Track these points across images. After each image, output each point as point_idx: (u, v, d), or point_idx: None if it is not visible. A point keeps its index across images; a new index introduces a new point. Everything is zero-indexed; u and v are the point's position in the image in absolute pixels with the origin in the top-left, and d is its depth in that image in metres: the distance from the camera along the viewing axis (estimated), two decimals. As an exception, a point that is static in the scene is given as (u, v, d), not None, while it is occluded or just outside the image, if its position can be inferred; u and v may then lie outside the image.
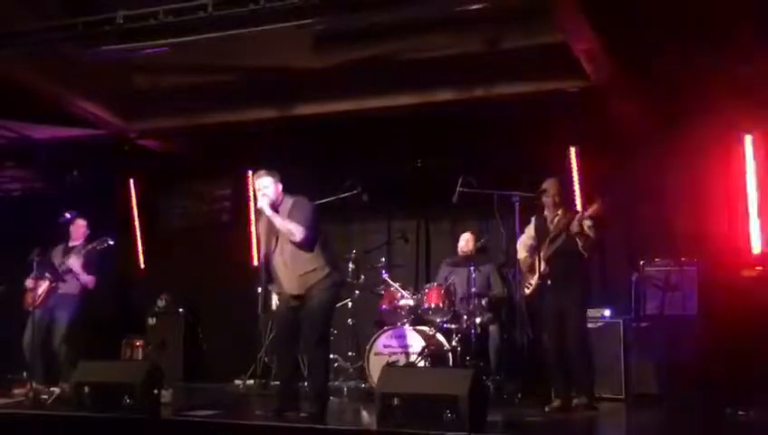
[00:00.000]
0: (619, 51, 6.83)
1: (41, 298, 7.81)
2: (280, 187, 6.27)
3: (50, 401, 6.93)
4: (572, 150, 8.44)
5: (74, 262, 7.84)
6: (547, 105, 7.72)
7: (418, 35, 7.25)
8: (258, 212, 6.32)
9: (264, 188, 6.18)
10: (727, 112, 7.45)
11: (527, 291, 6.91)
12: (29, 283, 7.83)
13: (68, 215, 7.90)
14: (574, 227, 6.55)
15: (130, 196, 10.29)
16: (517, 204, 7.28)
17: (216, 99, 8.51)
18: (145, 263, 10.12)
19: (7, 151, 9.94)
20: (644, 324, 7.52)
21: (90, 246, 7.87)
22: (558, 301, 6.68)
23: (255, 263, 9.46)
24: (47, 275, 7.95)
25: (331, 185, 8.03)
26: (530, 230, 7.00)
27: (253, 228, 9.64)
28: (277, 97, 8.40)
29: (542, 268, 6.72)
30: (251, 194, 9.80)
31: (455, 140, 8.44)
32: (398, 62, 7.72)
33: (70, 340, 7.87)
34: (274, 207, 6.15)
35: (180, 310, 9.57)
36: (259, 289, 8.57)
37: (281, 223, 6.07)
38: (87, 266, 7.91)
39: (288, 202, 6.24)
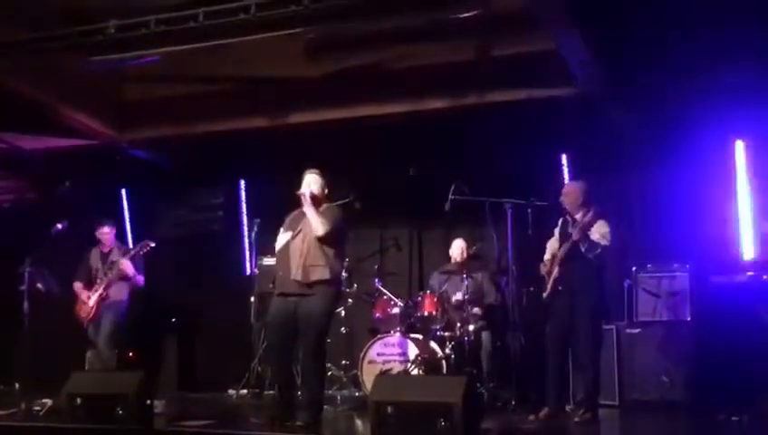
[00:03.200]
0: (610, 58, 6.86)
1: (93, 310, 7.95)
2: (325, 190, 6.40)
3: (42, 412, 6.89)
4: (564, 157, 8.46)
5: (127, 264, 7.95)
6: (538, 112, 7.74)
7: (410, 43, 7.28)
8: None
9: (313, 183, 6.32)
10: (718, 119, 7.48)
11: (545, 294, 6.84)
12: (82, 295, 8.01)
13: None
14: (575, 235, 6.51)
15: (123, 206, 10.27)
16: (509, 211, 7.30)
17: (208, 108, 8.52)
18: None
19: (-1, 162, 9.94)
20: (637, 331, 7.53)
21: (133, 252, 8.03)
22: (567, 308, 6.59)
23: (248, 272, 9.46)
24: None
25: (326, 195, 8.04)
26: (557, 232, 6.91)
27: (246, 237, 9.64)
28: (269, 106, 8.41)
29: (555, 272, 6.68)
30: (243, 203, 9.82)
31: (447, 147, 8.46)
32: (390, 70, 7.75)
33: (114, 343, 7.94)
34: (315, 200, 6.25)
35: (173, 320, 9.54)
36: (252, 298, 8.64)
37: (312, 213, 6.16)
38: (135, 266, 8.07)
39: (323, 206, 6.35)
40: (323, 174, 6.41)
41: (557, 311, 6.69)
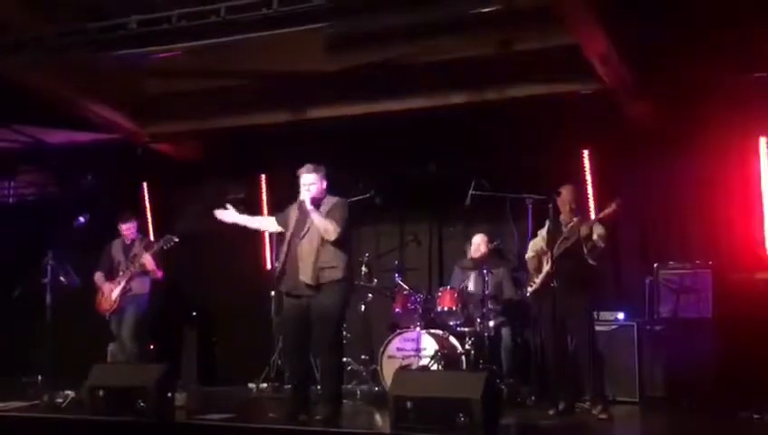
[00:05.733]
0: (633, 53, 6.81)
1: (116, 303, 8.00)
2: (324, 184, 6.31)
3: (65, 404, 6.95)
4: (585, 153, 8.42)
5: (149, 260, 7.97)
6: (560, 108, 7.71)
7: (431, 38, 7.26)
8: (297, 205, 6.33)
9: (310, 184, 6.22)
10: (742, 115, 7.42)
11: (530, 289, 6.91)
12: (104, 288, 8.07)
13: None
14: (584, 231, 6.52)
15: (144, 200, 10.32)
16: (530, 206, 7.28)
17: (228, 102, 8.54)
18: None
19: (22, 156, 10.00)
20: (658, 327, 7.49)
21: (157, 247, 8.02)
22: (563, 304, 6.62)
23: (269, 266, 9.48)
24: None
25: (343, 188, 8.04)
26: (542, 233, 6.97)
27: (266, 232, 9.65)
28: (290, 100, 8.42)
29: (547, 268, 6.70)
30: (264, 197, 9.84)
31: (467, 142, 8.44)
32: (411, 65, 7.73)
33: (137, 336, 7.98)
34: (316, 202, 6.19)
35: (194, 313, 9.59)
36: (272, 292, 8.66)
37: (318, 220, 6.11)
38: (156, 262, 8.08)
39: (330, 201, 6.30)
40: (319, 166, 6.32)
41: (552, 308, 6.69)
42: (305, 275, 6.08)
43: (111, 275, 8.15)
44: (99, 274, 8.21)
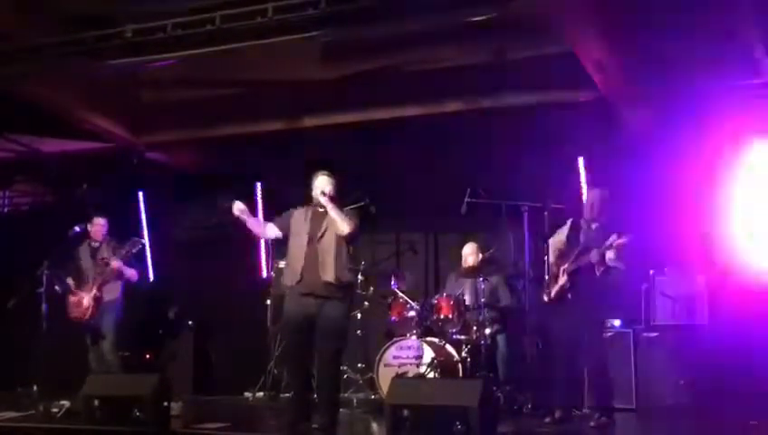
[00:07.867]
0: (629, 60, 6.83)
1: (90, 310, 7.87)
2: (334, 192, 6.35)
3: (60, 414, 6.93)
4: (581, 160, 8.43)
5: (119, 265, 7.84)
6: (555, 115, 7.72)
7: (426, 46, 7.27)
8: (306, 210, 6.33)
9: (327, 185, 6.27)
10: (738, 121, 7.44)
11: (546, 299, 6.86)
12: (75, 297, 7.95)
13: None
14: (594, 257, 6.46)
15: (139, 208, 10.31)
16: (526, 214, 7.29)
17: (224, 111, 8.55)
18: (154, 275, 10.13)
19: (17, 166, 9.99)
20: (654, 334, 7.50)
21: (124, 251, 7.87)
22: (575, 315, 6.59)
23: (264, 274, 9.48)
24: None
25: (338, 196, 8.05)
26: (562, 234, 6.88)
27: (261, 240, 9.65)
28: (285, 109, 8.43)
29: (563, 280, 6.67)
30: (259, 205, 9.84)
31: (463, 150, 8.45)
32: (406, 73, 7.75)
33: (118, 344, 7.93)
34: (333, 200, 6.22)
35: (189, 322, 9.57)
36: (268, 301, 8.66)
37: (335, 211, 6.13)
38: (126, 264, 7.95)
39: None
40: (332, 174, 6.36)
41: (564, 319, 6.67)
42: (328, 275, 6.04)
43: (79, 282, 7.99)
44: (71, 280, 8.04)
